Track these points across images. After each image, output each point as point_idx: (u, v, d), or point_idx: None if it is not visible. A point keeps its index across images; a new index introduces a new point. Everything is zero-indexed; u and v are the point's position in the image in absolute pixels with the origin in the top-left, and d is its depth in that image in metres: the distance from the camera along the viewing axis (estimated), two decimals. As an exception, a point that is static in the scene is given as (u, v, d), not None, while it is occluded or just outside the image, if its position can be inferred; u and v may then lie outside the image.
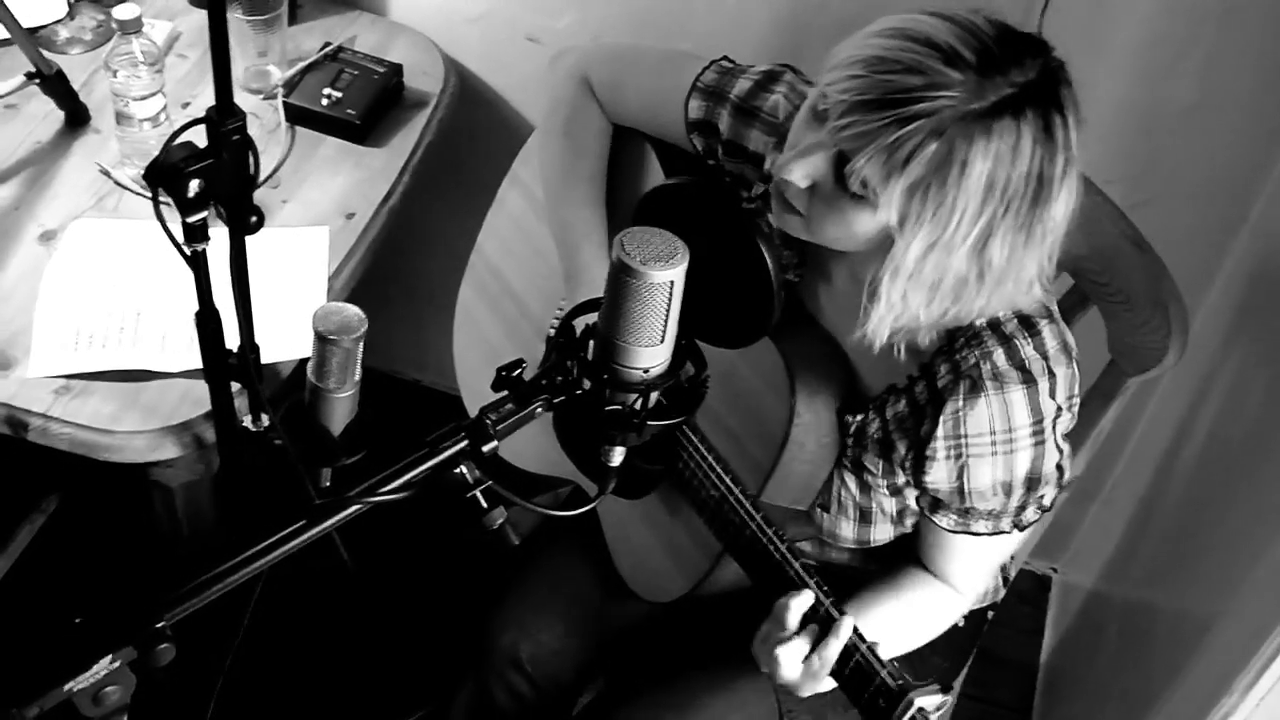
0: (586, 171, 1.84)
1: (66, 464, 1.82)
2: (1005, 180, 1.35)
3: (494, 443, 1.22)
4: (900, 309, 1.44)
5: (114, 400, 1.76)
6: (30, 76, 2.04)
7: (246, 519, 1.74)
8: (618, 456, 1.29)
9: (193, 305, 1.50)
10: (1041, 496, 1.57)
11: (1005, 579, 1.92)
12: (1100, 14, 1.98)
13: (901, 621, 1.67)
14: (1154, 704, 1.95)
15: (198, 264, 1.44)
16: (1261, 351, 1.99)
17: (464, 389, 2.11)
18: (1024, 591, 2.78)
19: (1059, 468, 1.56)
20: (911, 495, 1.62)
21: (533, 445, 1.90)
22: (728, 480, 1.59)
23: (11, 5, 1.97)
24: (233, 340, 1.55)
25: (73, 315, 1.82)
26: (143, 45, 1.93)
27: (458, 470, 1.22)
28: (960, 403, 1.51)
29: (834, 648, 1.49)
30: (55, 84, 2.05)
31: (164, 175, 1.32)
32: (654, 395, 1.24)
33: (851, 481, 1.64)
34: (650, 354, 1.21)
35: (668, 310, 1.18)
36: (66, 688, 1.07)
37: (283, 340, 1.79)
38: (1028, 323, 1.52)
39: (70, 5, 2.24)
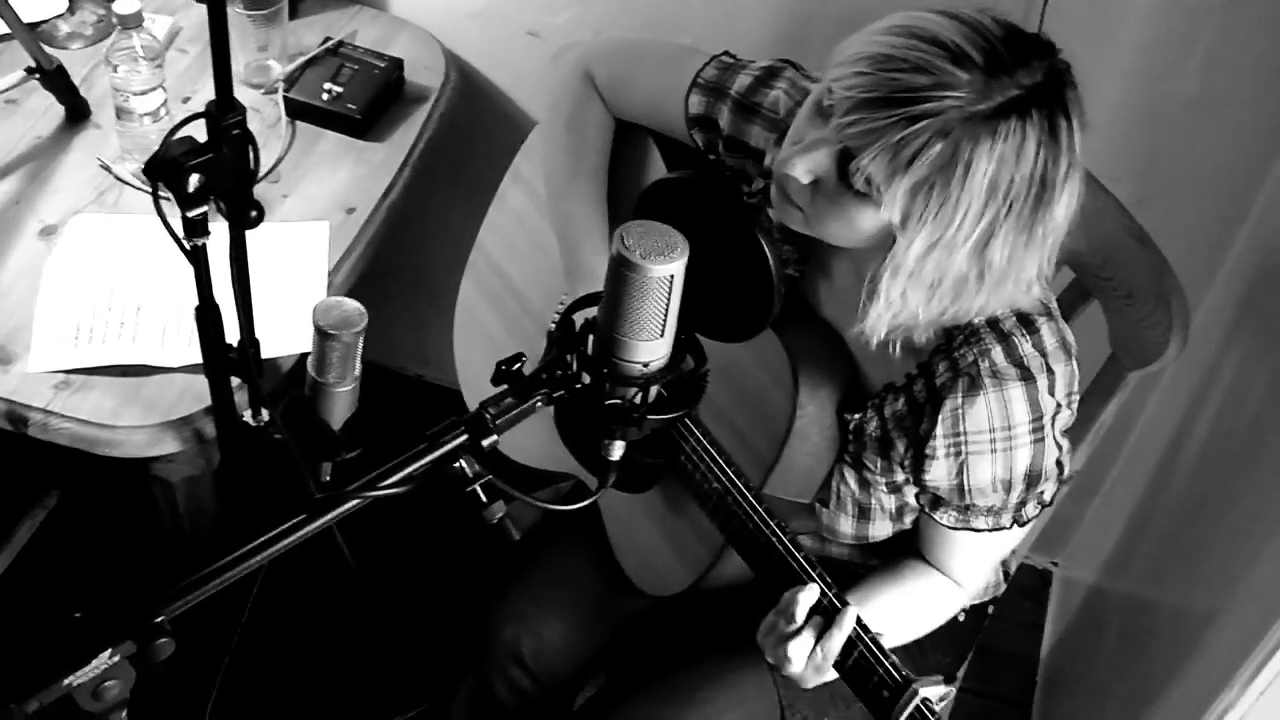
0: (588, 166, 1.84)
1: (67, 459, 1.83)
2: (1009, 182, 1.35)
3: (493, 437, 1.22)
4: (899, 307, 1.44)
5: (114, 395, 1.76)
6: (31, 71, 2.04)
7: (247, 514, 1.74)
8: (618, 451, 1.29)
9: (193, 300, 1.50)
10: (1041, 492, 1.57)
11: (1006, 574, 1.92)
12: (1102, 10, 1.98)
13: (902, 611, 1.67)
14: (1154, 699, 1.95)
15: (198, 259, 1.44)
16: (1263, 346, 1.99)
17: (464, 384, 2.11)
18: (1025, 586, 2.78)
19: (1059, 464, 1.56)
20: (911, 493, 1.62)
21: (535, 440, 1.90)
22: (730, 473, 1.59)
23: (12, 0, 1.97)
24: (233, 335, 1.55)
25: (73, 310, 1.82)
26: (143, 40, 1.93)
27: (457, 465, 1.22)
28: (959, 400, 1.51)
29: (838, 639, 1.49)
30: (56, 79, 2.05)
31: (164, 170, 1.32)
32: (654, 389, 1.24)
33: (851, 478, 1.64)
34: (650, 348, 1.21)
35: (667, 304, 1.18)
36: (66, 682, 1.07)
37: (283, 335, 1.79)
38: (1026, 320, 1.52)
39: (71, 0, 2.24)
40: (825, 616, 1.51)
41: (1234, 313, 2.10)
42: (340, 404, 1.30)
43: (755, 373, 1.65)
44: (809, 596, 1.51)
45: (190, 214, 1.37)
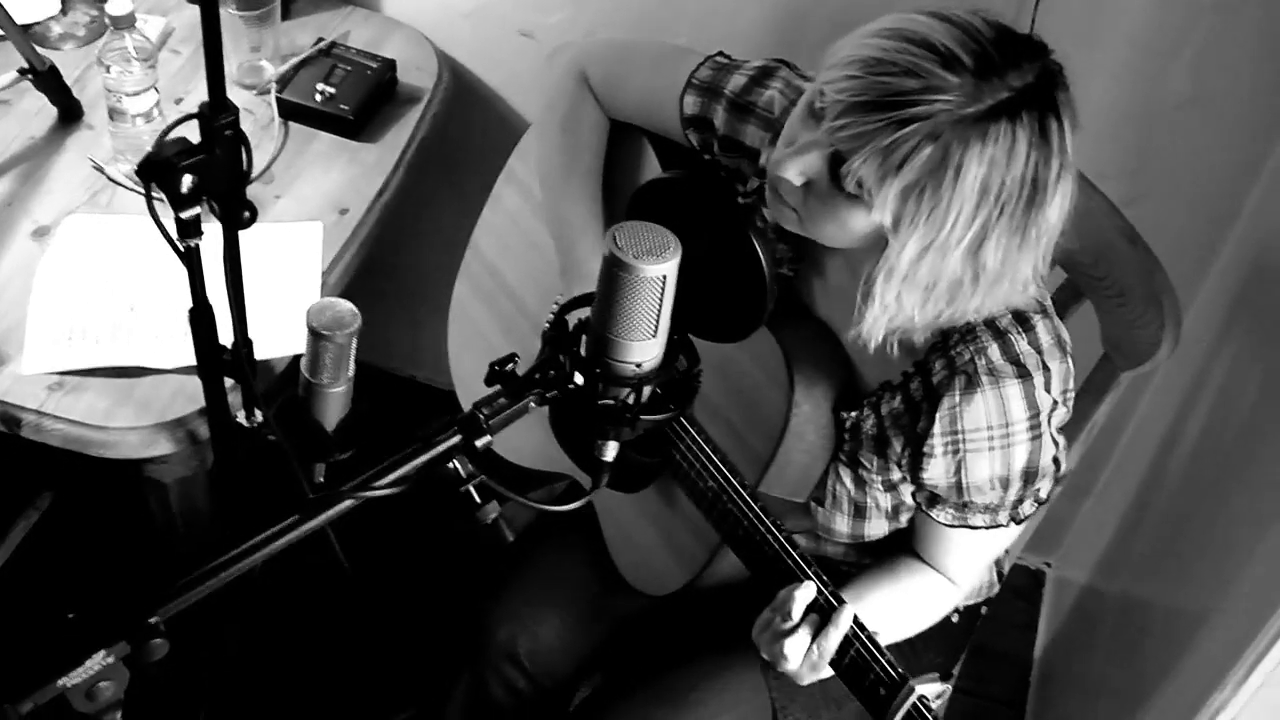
0: (583, 166, 1.84)
1: (60, 460, 1.82)
2: (1000, 184, 1.35)
3: (487, 437, 1.22)
4: (894, 310, 1.45)
5: (107, 396, 1.76)
6: (23, 72, 2.04)
7: (241, 515, 1.74)
8: (611, 451, 1.29)
9: (186, 301, 1.49)
10: (1038, 490, 1.58)
11: (999, 574, 1.93)
12: (1093, 9, 1.99)
13: (898, 609, 1.67)
14: (1147, 699, 1.95)
15: (191, 260, 1.44)
16: (1255, 346, 1.99)
17: (458, 385, 2.11)
18: (1018, 586, 2.78)
19: (1055, 460, 1.56)
20: (907, 491, 1.62)
21: (529, 440, 1.90)
22: (725, 471, 1.59)
23: (5, 1, 1.97)
24: (226, 336, 1.55)
25: (66, 311, 1.82)
26: (136, 41, 1.93)
27: (451, 465, 1.22)
28: (956, 398, 1.51)
29: (834, 638, 1.49)
30: (48, 80, 2.04)
31: (157, 170, 1.32)
32: (647, 390, 1.25)
33: (847, 476, 1.65)
34: (643, 348, 1.21)
35: (660, 305, 1.18)
36: (60, 683, 1.07)
37: (276, 336, 1.79)
38: (1022, 318, 1.52)
39: (63, 1, 2.23)
40: (821, 614, 1.52)
41: (1226, 313, 2.10)
42: (334, 405, 1.30)
43: (750, 371, 1.65)
44: (805, 594, 1.51)
45: (183, 215, 1.36)
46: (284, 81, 2.16)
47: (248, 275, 1.50)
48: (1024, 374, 1.50)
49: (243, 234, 1.44)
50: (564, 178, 1.84)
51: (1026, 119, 1.34)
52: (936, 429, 1.53)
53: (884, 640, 1.52)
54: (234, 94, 1.38)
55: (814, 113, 1.42)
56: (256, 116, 2.14)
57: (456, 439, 1.22)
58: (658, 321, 1.20)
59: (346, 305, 1.26)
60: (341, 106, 2.13)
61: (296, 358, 1.64)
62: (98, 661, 1.08)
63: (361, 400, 1.33)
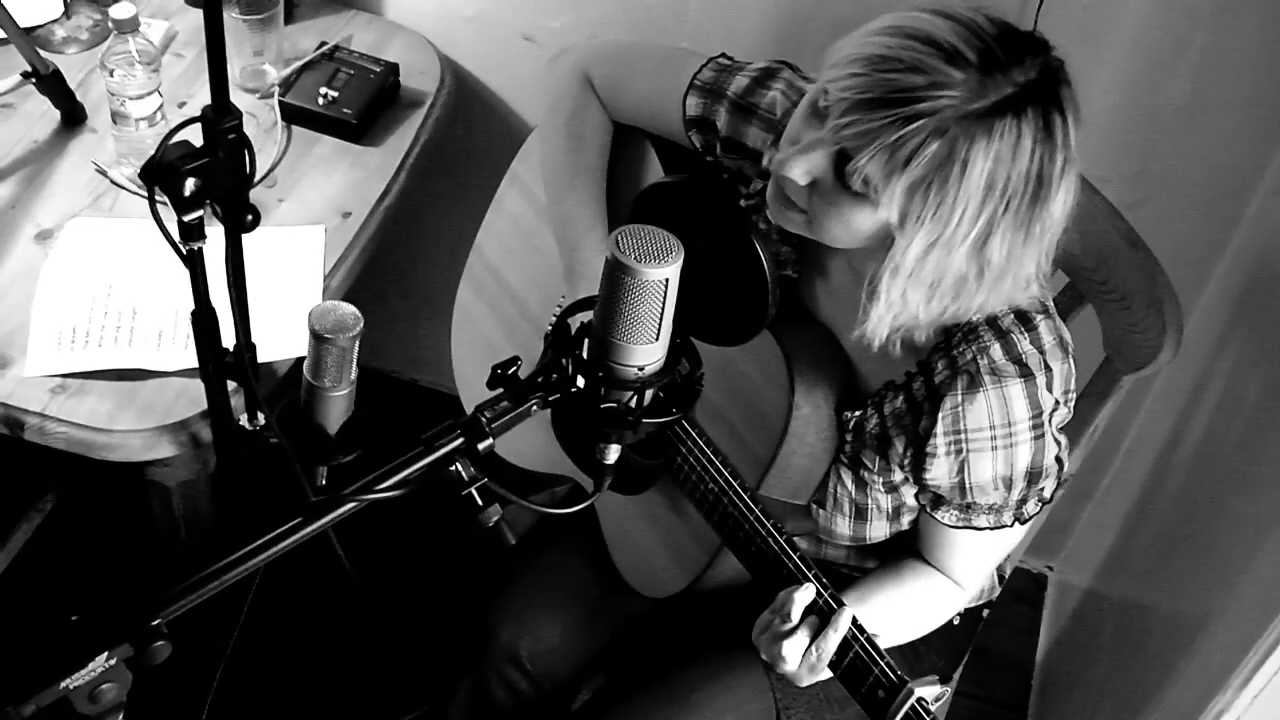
0: (587, 169, 1.85)
1: (63, 463, 1.83)
2: (1005, 179, 1.35)
3: (489, 440, 1.22)
4: (900, 308, 1.45)
5: (110, 399, 1.77)
6: (27, 76, 2.04)
7: (243, 518, 1.74)
8: (613, 454, 1.30)
9: (189, 304, 1.50)
10: (1042, 489, 1.58)
11: (1001, 577, 1.93)
12: (1095, 13, 1.99)
13: (902, 611, 1.67)
14: (1149, 702, 1.95)
15: (194, 263, 1.44)
16: (1256, 350, 1.99)
17: (461, 388, 2.11)
18: (1020, 590, 2.78)
19: (1058, 460, 1.56)
20: (909, 493, 1.63)
21: (531, 443, 1.90)
22: (726, 474, 1.59)
23: (8, 4, 1.97)
24: (229, 339, 1.55)
25: (69, 314, 1.82)
26: (139, 44, 1.93)
27: (453, 468, 1.22)
28: (959, 398, 1.51)
29: (832, 640, 1.50)
30: (51, 83, 2.05)
31: (160, 174, 1.32)
32: (649, 393, 1.25)
33: (848, 478, 1.65)
34: (645, 352, 1.21)
35: (662, 308, 1.18)
36: (63, 685, 1.07)
37: (279, 339, 1.80)
38: (1024, 318, 1.52)
39: (66, 4, 2.24)
40: (821, 616, 1.52)
41: (1227, 316, 2.10)
42: (336, 408, 1.30)
43: (751, 373, 1.65)
44: (805, 596, 1.52)
45: (186, 218, 1.37)
46: (287, 85, 2.16)
47: (250, 278, 1.50)
48: (1026, 373, 1.50)
49: (245, 237, 1.44)
50: (567, 180, 1.85)
51: (1031, 114, 1.35)
52: (939, 429, 1.53)
53: (890, 643, 1.52)
54: (237, 98, 1.38)
55: (817, 111, 1.42)
56: (259, 120, 2.14)
57: (459, 442, 1.22)
58: (660, 325, 1.20)
59: (349, 308, 1.26)
60: (344, 110, 2.13)
61: (299, 361, 1.64)
62: (100, 664, 1.08)
63: (364, 403, 1.33)
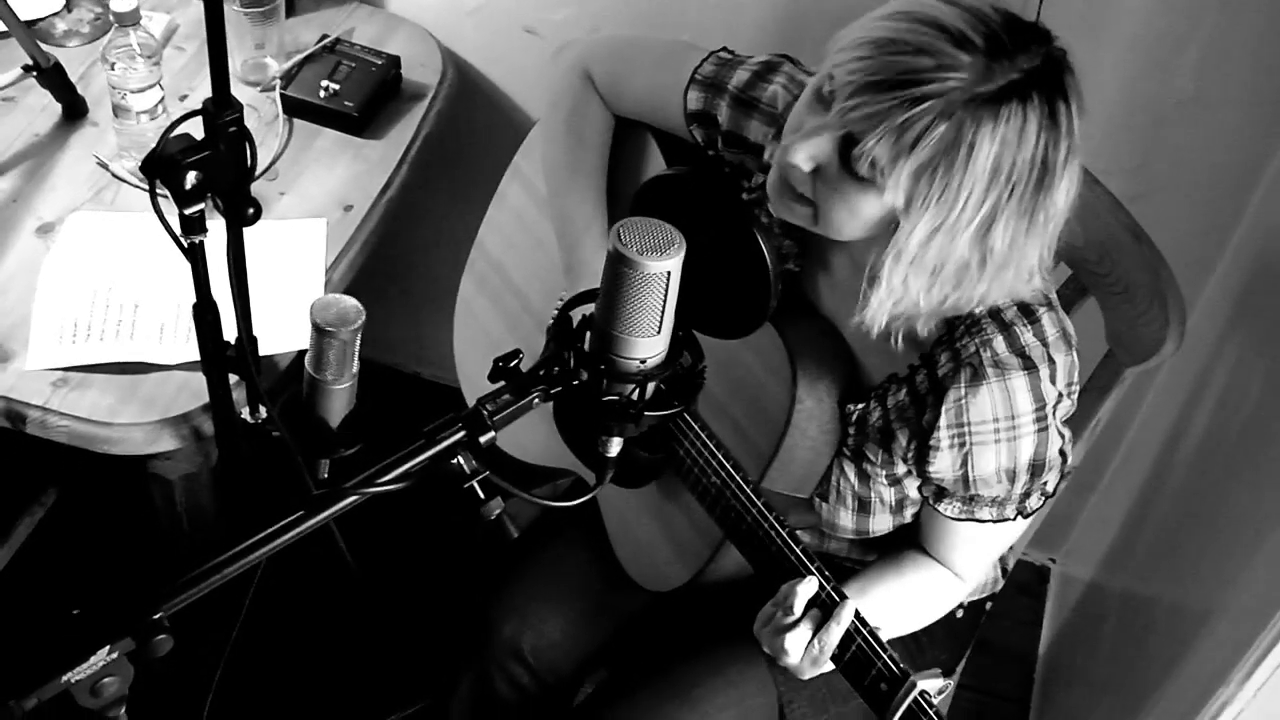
0: (588, 163, 1.84)
1: (65, 457, 1.83)
2: (1011, 164, 1.35)
3: (491, 433, 1.22)
4: (900, 294, 1.45)
5: (112, 393, 1.77)
6: (28, 69, 2.04)
7: (245, 511, 1.74)
8: (615, 447, 1.30)
9: (190, 297, 1.50)
10: (1045, 483, 1.58)
11: (1004, 570, 1.93)
12: (1098, 6, 1.98)
13: (902, 603, 1.67)
14: (1151, 695, 1.95)
15: (195, 256, 1.44)
16: (1259, 343, 1.99)
17: (463, 381, 2.11)
18: (1022, 583, 2.78)
19: (1061, 453, 1.56)
20: (912, 485, 1.62)
21: (533, 436, 1.90)
22: (729, 467, 1.59)
23: (9, -2, 1.98)
24: (230, 332, 1.55)
25: (71, 308, 1.82)
26: (140, 38, 1.93)
27: (455, 461, 1.22)
28: (962, 391, 1.51)
29: (835, 633, 1.50)
30: (53, 76, 2.05)
31: (161, 167, 1.32)
32: (651, 386, 1.25)
33: (851, 471, 1.65)
34: (647, 345, 1.21)
35: (664, 301, 1.18)
36: (64, 679, 1.07)
37: (281, 332, 1.80)
38: (1027, 310, 1.52)
39: (68, -2, 2.24)
40: (823, 609, 1.52)
41: (1230, 309, 2.10)
42: (338, 401, 1.30)
43: (754, 367, 1.65)
44: (807, 589, 1.52)
45: (187, 211, 1.37)
46: (288, 78, 2.16)
47: (252, 271, 1.50)
48: (1030, 366, 1.50)
49: (247, 230, 1.44)
50: (569, 174, 1.84)
51: (1037, 100, 1.35)
52: (942, 421, 1.53)
53: (889, 635, 1.52)
54: (238, 91, 1.38)
55: (822, 98, 1.42)
56: (261, 113, 2.14)
57: (461, 435, 1.22)
58: (662, 318, 1.20)
59: (350, 301, 1.26)
60: (346, 103, 2.13)
61: (301, 354, 1.64)
62: (102, 657, 1.08)
63: (366, 397, 1.33)
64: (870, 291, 1.46)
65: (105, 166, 2.03)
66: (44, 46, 2.04)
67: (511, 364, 1.26)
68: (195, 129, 1.33)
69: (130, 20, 1.91)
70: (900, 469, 1.61)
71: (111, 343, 1.79)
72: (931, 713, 1.46)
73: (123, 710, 1.13)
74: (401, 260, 2.61)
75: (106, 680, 1.09)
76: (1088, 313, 1.81)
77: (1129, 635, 2.26)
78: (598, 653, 1.95)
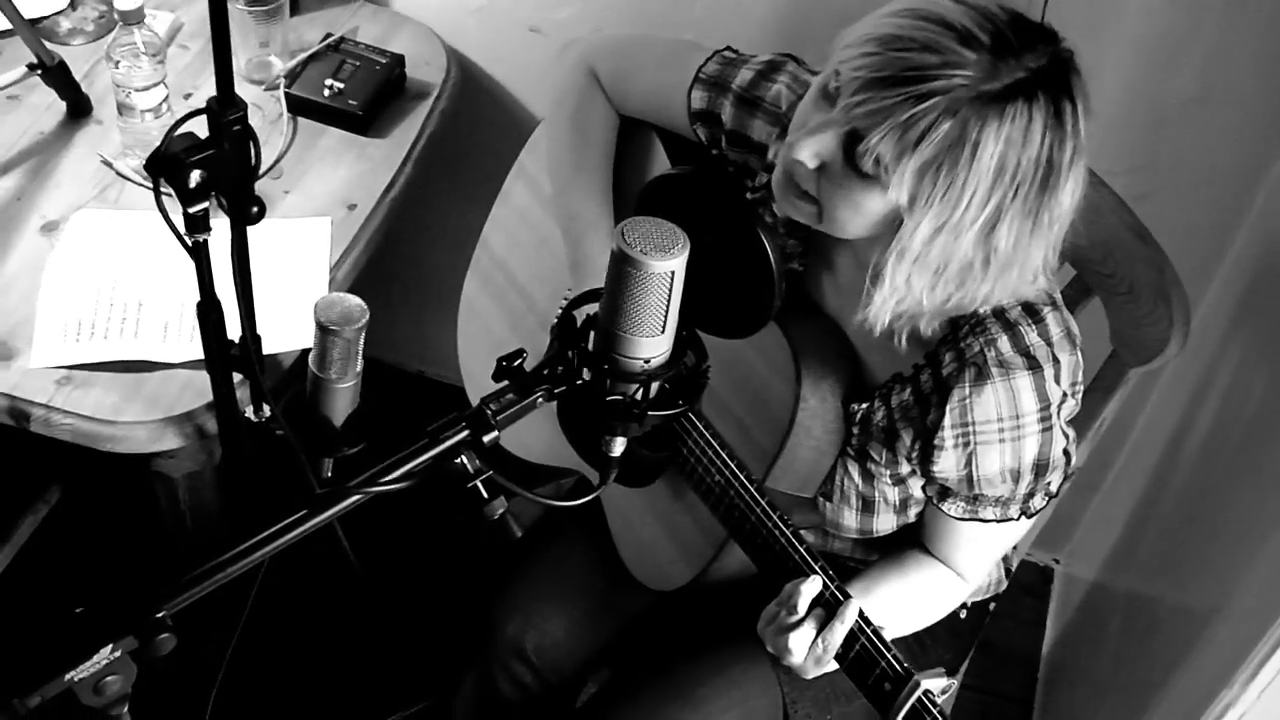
0: (593, 162, 1.84)
1: (69, 455, 1.83)
2: (1016, 164, 1.35)
3: (494, 433, 1.22)
4: (904, 292, 1.45)
5: (116, 391, 1.77)
6: (32, 67, 2.04)
7: (249, 510, 1.74)
8: (619, 447, 1.30)
9: (194, 296, 1.49)
10: (1049, 483, 1.57)
11: (1007, 570, 1.92)
12: (1103, 6, 1.98)
13: (905, 603, 1.67)
14: (1155, 696, 1.95)
15: (199, 255, 1.44)
16: (1263, 344, 1.99)
17: (467, 380, 2.11)
18: (1026, 583, 2.78)
19: (1065, 453, 1.56)
20: (916, 485, 1.62)
21: (537, 435, 1.90)
22: (733, 466, 1.59)
23: (14, -4, 1.98)
24: (234, 331, 1.55)
25: (75, 306, 1.83)
26: (144, 36, 1.93)
27: (459, 460, 1.22)
28: (967, 390, 1.51)
29: (839, 632, 1.50)
30: (57, 75, 2.05)
31: (165, 166, 1.32)
32: (655, 386, 1.24)
33: (855, 470, 1.65)
34: (651, 344, 1.21)
35: (668, 301, 1.18)
36: (68, 677, 1.07)
37: (284, 331, 1.79)
38: (1031, 310, 1.52)
39: (72, -4, 2.24)
40: (827, 609, 1.52)
41: (1235, 309, 2.10)
42: (342, 400, 1.30)
43: (758, 366, 1.65)
44: (811, 588, 1.52)
45: (192, 210, 1.36)
46: (292, 77, 2.16)
47: (256, 270, 1.50)
48: (1034, 365, 1.50)
49: (251, 229, 1.44)
50: (573, 173, 1.84)
51: (1042, 99, 1.35)
52: (947, 421, 1.53)
53: (891, 634, 1.52)
54: (242, 89, 1.38)
55: (828, 94, 1.42)
56: (265, 112, 2.14)
57: (464, 434, 1.22)
58: (666, 317, 1.19)
59: (354, 300, 1.26)
60: (350, 102, 2.13)
61: (304, 352, 1.64)
62: (105, 656, 1.08)
63: (369, 395, 1.33)
64: (874, 289, 1.46)
65: (109, 165, 2.03)
66: (49, 45, 2.04)
67: (515, 363, 1.26)
68: (200, 127, 1.33)
69: (135, 18, 1.92)
70: (904, 468, 1.61)
71: (115, 341, 1.79)
72: (935, 712, 1.46)
73: (125, 709, 1.13)
74: (406, 259, 2.61)
75: (109, 679, 1.09)
76: (1092, 313, 1.81)
77: (1132, 636, 2.25)
78: (601, 652, 1.95)
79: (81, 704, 1.09)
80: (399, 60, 2.21)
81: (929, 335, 1.53)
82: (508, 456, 1.94)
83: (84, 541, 2.56)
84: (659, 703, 1.78)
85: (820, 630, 1.51)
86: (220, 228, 1.41)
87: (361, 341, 1.27)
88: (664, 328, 1.20)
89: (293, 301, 1.84)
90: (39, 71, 2.04)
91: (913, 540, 1.71)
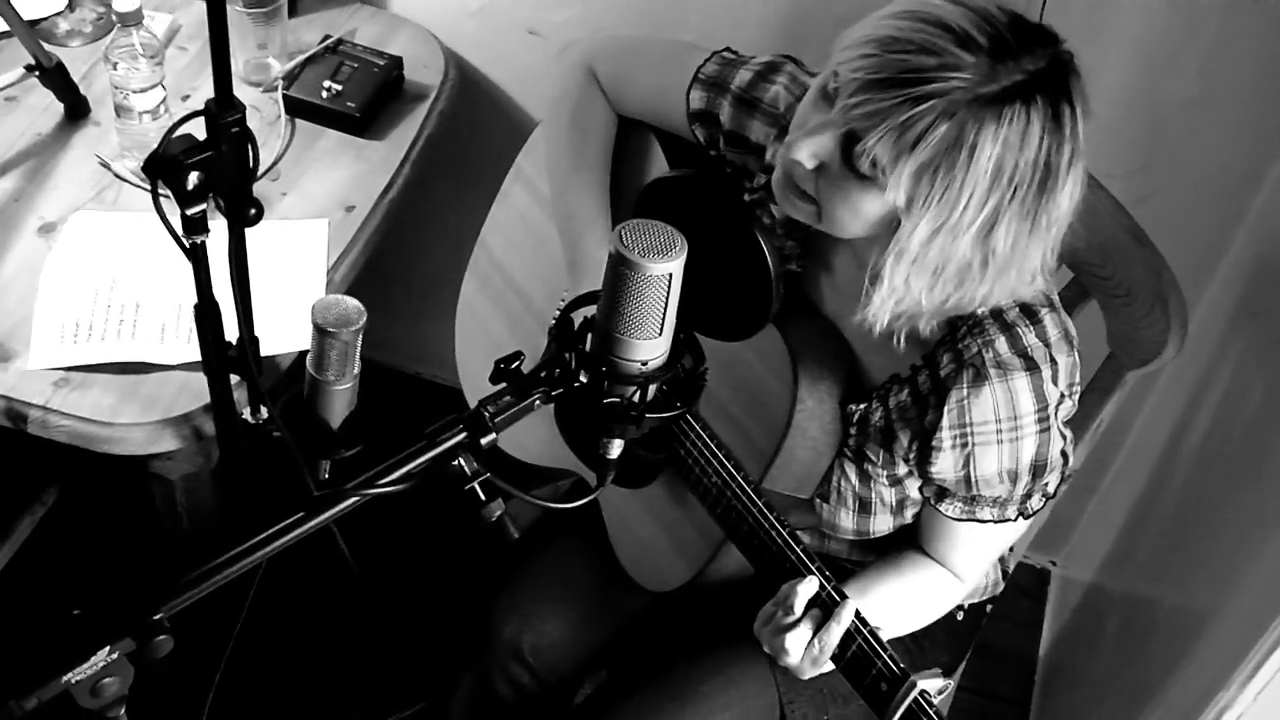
0: (591, 163, 1.84)
1: (66, 456, 1.82)
2: (1014, 166, 1.35)
3: (492, 435, 1.22)
4: (902, 293, 1.45)
5: (113, 392, 1.77)
6: (30, 69, 2.04)
7: (246, 511, 1.74)
8: (616, 449, 1.30)
9: (192, 298, 1.50)
10: (1046, 484, 1.58)
11: (1004, 572, 1.92)
12: (1102, 7, 1.98)
13: (902, 603, 1.67)
14: (1152, 697, 1.95)
15: (197, 256, 1.44)
16: (1261, 346, 1.99)
17: (465, 382, 2.11)
18: (1023, 585, 2.78)
19: (1063, 454, 1.56)
20: (913, 485, 1.62)
21: (535, 437, 1.90)
22: (729, 467, 1.59)
23: (11, -3, 1.98)
24: (232, 332, 1.55)
25: (72, 307, 1.82)
26: (143, 38, 1.93)
27: (456, 462, 1.22)
28: (965, 391, 1.51)
29: (835, 632, 1.50)
30: (55, 76, 2.05)
31: (163, 167, 1.32)
32: (652, 388, 1.24)
33: (851, 471, 1.65)
34: (648, 347, 1.21)
35: (666, 303, 1.18)
36: (65, 679, 1.07)
37: (282, 333, 1.79)
38: (1029, 311, 1.52)
39: (70, -2, 2.24)
40: (824, 609, 1.52)
41: (1232, 313, 2.10)
42: (339, 402, 1.30)
43: (755, 367, 1.65)
44: (808, 588, 1.52)
45: (189, 211, 1.36)
46: (290, 78, 2.16)
47: (253, 272, 1.50)
48: (1032, 366, 1.50)
49: (249, 231, 1.44)
50: (571, 173, 1.85)
51: (1041, 102, 1.35)
52: (945, 422, 1.53)
53: (889, 635, 1.52)
54: (240, 91, 1.37)
55: (826, 95, 1.43)
56: (263, 113, 2.14)
57: (462, 436, 1.22)
58: (663, 320, 1.20)
59: (352, 302, 1.26)
60: (348, 104, 2.13)
61: (302, 354, 1.64)
62: (103, 658, 1.08)
63: (367, 397, 1.33)
64: (872, 290, 1.46)
65: (107, 166, 2.03)
66: (46, 46, 2.04)
67: (513, 365, 1.26)
68: (197, 129, 1.33)
69: (133, 20, 1.91)
70: (901, 469, 1.61)
71: (113, 343, 1.79)
72: (931, 713, 1.47)
73: (123, 711, 1.13)
74: (403, 261, 2.61)
75: (106, 680, 1.09)
76: (1089, 314, 1.81)
77: (1129, 638, 2.25)
78: (598, 653, 1.95)
79: (79, 706, 1.09)
80: (397, 62, 2.21)
81: (927, 336, 1.54)
82: (505, 458, 1.94)
83: (81, 543, 2.56)
84: (656, 703, 1.78)
85: (817, 631, 1.51)
86: (218, 229, 1.41)
87: (359, 343, 1.27)
88: (662, 330, 1.20)
89: (290, 303, 1.84)
90: (37, 73, 2.04)
91: (910, 541, 1.71)
